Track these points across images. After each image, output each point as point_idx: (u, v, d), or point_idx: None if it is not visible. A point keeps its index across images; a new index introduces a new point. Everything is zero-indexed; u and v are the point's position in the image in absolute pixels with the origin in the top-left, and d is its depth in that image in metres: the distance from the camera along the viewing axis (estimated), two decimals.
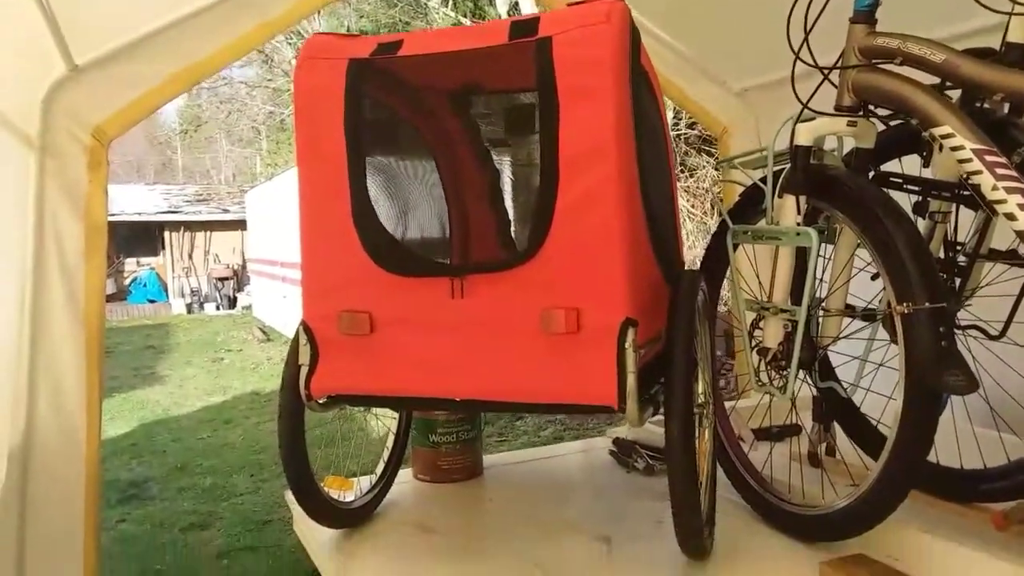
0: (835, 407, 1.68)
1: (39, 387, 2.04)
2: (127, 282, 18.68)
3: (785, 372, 1.51)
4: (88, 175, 2.13)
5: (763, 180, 1.57)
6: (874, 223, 1.36)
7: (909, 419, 1.29)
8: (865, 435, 1.69)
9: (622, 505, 1.82)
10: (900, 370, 1.30)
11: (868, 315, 1.53)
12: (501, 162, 1.95)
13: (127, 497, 5.19)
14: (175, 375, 9.84)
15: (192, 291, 18.37)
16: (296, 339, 1.48)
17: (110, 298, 16.45)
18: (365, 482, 1.81)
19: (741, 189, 1.73)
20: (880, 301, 1.53)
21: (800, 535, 1.53)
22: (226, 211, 19.79)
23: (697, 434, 1.38)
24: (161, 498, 5.18)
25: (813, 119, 1.46)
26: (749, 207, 1.66)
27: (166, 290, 18.76)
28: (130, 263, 18.90)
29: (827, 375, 1.66)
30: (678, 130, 9.64)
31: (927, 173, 1.52)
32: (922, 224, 1.50)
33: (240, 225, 18.51)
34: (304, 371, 1.45)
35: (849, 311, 1.55)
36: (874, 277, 1.42)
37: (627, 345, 1.25)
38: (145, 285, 18.58)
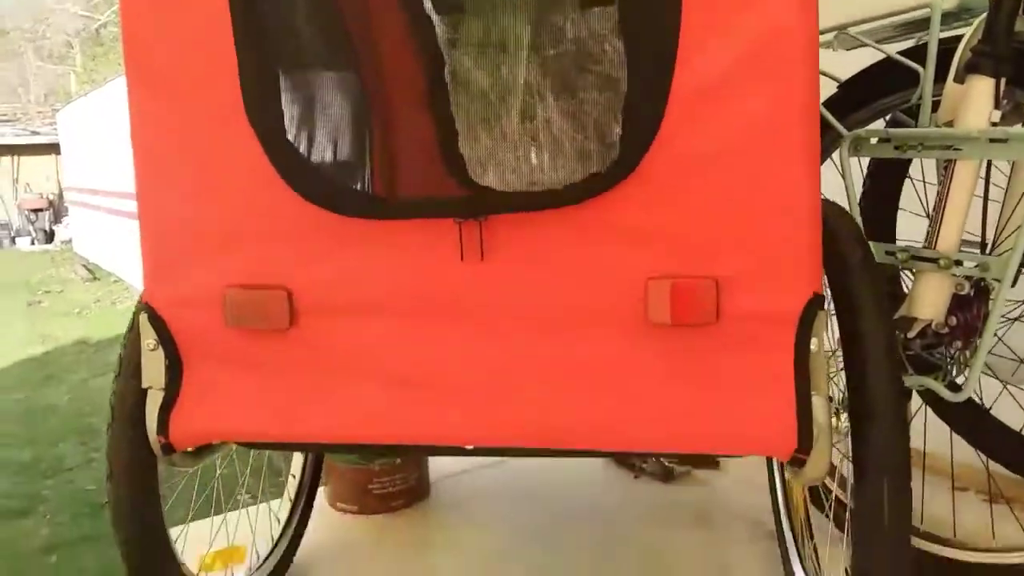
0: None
1: None
2: None
3: (951, 358, 0.97)
4: None
5: (908, 54, 1.00)
6: None
7: None
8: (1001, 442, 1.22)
9: (648, 537, 1.25)
10: None
11: None
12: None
13: None
14: None
15: (0, 224, 16.28)
16: (135, 336, 0.78)
17: None
18: (262, 543, 1.15)
19: None
20: None
21: None
22: (35, 133, 17.64)
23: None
24: None
25: None
26: (870, 97, 1.09)
27: None
28: None
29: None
30: None
31: None
32: None
33: (54, 149, 16.52)
34: (156, 401, 0.76)
35: None
36: None
37: (813, 345, 0.66)
38: None
